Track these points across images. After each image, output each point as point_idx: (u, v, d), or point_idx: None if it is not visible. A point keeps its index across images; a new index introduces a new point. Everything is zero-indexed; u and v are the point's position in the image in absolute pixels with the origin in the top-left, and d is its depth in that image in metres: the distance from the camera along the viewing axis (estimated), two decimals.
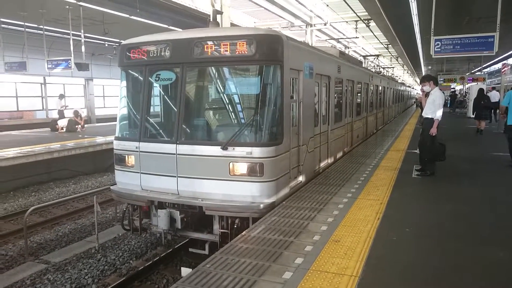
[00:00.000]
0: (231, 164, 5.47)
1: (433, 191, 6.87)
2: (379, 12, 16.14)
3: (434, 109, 7.45)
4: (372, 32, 21.95)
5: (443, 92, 9.18)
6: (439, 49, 10.47)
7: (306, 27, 19.08)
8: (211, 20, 8.84)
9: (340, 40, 24.20)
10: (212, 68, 5.99)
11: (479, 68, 39.04)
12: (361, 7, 15.79)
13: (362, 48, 30.12)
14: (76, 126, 17.91)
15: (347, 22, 20.69)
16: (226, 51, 5.54)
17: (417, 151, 8.29)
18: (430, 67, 46.71)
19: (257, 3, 14.71)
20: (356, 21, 19.26)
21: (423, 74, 47.85)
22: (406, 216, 5.42)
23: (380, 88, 17.91)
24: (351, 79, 10.99)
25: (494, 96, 18.11)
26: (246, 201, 5.46)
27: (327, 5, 18.18)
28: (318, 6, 17.92)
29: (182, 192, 5.78)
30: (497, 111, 16.53)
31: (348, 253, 4.04)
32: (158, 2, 13.42)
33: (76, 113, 18.59)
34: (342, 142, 10.23)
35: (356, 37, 22.78)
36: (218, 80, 6.13)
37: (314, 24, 19.15)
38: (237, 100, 5.99)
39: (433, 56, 10.88)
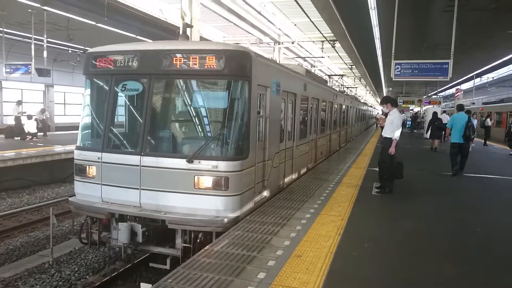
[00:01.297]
0: (196, 177, 5.44)
1: (392, 208, 7.14)
2: (344, 34, 16.81)
3: (392, 129, 7.79)
4: (337, 53, 22.76)
5: (403, 112, 9.69)
6: (399, 73, 11.01)
7: (274, 45, 19.48)
8: (180, 33, 8.86)
9: (306, 58, 24.87)
10: (180, 80, 5.98)
11: (435, 91, 41.30)
12: (327, 28, 16.38)
13: (328, 67, 31.06)
14: (28, 137, 16.87)
15: (313, 41, 21.33)
16: (195, 64, 5.57)
17: (377, 169, 8.60)
18: (390, 89, 48.82)
19: (227, 19, 14.89)
20: (322, 41, 19.90)
21: (384, 95, 49.98)
22: (366, 231, 5.59)
23: (344, 107, 18.50)
24: (316, 97, 11.30)
25: (444, 118, 19.47)
26: (210, 215, 5.43)
27: (295, 25, 18.70)
28: (286, 25, 18.38)
29: (145, 205, 5.66)
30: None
31: (309, 268, 4.11)
32: (126, 11, 13.28)
33: (43, 110, 17.91)
34: (306, 158, 10.44)
35: (322, 57, 23.53)
36: (185, 93, 6.12)
37: (282, 42, 19.62)
38: (204, 114, 6.00)
39: (393, 79, 11.41)
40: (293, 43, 19.88)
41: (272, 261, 4.27)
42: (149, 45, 6.45)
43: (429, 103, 31.26)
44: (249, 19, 15.61)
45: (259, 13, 14.74)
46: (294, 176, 9.10)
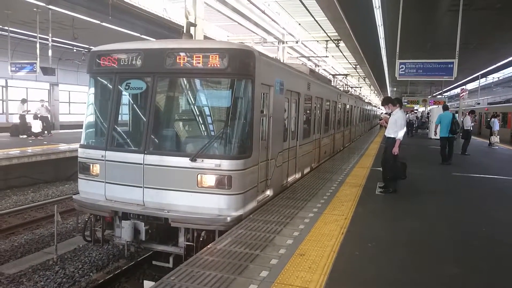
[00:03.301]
0: (199, 176, 5.45)
1: (395, 208, 7.11)
2: (349, 33, 16.76)
3: (396, 129, 7.74)
4: (342, 52, 22.70)
5: (406, 112, 9.68)
6: (403, 72, 10.97)
7: (278, 44, 19.49)
8: (184, 31, 8.88)
9: (310, 58, 24.83)
10: (184, 79, 5.98)
11: (440, 91, 41.10)
12: (331, 28, 16.35)
13: (332, 67, 31.02)
14: (32, 137, 17.02)
15: (318, 41, 21.31)
16: (199, 63, 5.57)
17: (381, 168, 8.56)
18: (395, 89, 48.67)
19: (231, 18, 14.90)
20: (327, 41, 19.88)
21: (389, 94, 49.87)
22: (369, 231, 5.58)
23: (348, 107, 18.45)
24: (320, 96, 11.27)
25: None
26: (213, 213, 5.44)
27: (299, 24, 18.68)
28: (290, 24, 18.37)
29: (148, 203, 5.68)
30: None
31: (312, 267, 4.10)
32: (131, 10, 13.32)
33: (42, 101, 18.40)
34: (309, 158, 10.42)
35: (326, 56, 23.49)
36: (189, 92, 6.13)
37: (286, 41, 19.61)
38: (207, 112, 6.00)
39: (397, 78, 11.37)
40: (297, 42, 19.87)
41: (275, 259, 4.27)
42: (153, 43, 6.46)
43: (434, 103, 31.13)
44: (253, 18, 15.62)
45: (263, 12, 14.75)
46: (298, 175, 9.09)
